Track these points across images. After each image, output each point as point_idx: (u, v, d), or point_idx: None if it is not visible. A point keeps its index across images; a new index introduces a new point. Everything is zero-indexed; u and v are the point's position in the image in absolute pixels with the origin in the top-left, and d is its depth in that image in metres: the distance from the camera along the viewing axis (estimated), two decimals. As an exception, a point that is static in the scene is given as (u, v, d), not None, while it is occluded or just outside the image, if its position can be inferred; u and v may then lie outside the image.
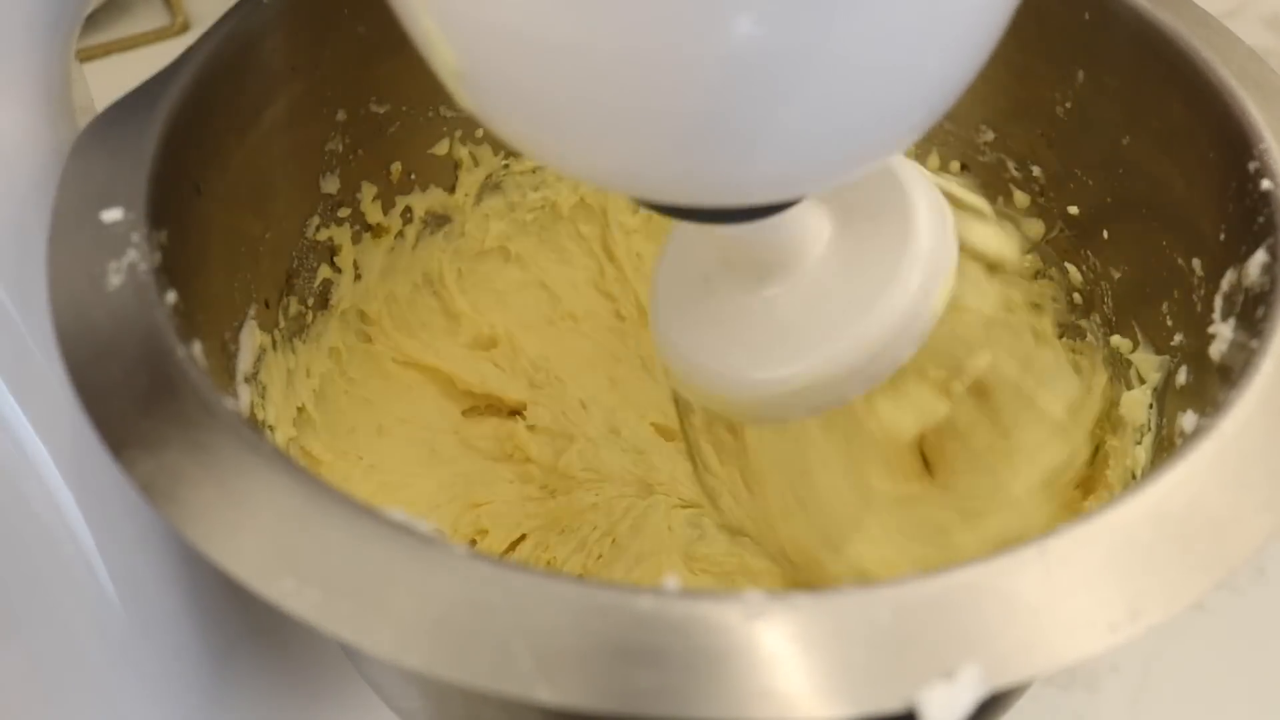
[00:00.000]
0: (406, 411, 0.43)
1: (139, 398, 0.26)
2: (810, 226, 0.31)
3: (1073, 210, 0.40)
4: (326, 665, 0.38)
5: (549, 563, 0.40)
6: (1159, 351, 0.36)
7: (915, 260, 0.29)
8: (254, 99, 0.35)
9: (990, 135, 0.42)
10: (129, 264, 0.28)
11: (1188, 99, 0.34)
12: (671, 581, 0.23)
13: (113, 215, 0.29)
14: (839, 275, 0.30)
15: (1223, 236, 0.32)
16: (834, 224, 0.31)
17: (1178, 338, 0.34)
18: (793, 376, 0.30)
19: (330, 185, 0.40)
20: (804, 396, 0.30)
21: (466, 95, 0.24)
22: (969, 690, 0.21)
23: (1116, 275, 0.38)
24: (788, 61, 0.21)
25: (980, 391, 0.38)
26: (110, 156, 0.30)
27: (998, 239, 0.35)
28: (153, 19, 0.65)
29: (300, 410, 0.38)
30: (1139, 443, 0.35)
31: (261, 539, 0.23)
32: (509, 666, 0.21)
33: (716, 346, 0.31)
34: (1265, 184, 0.30)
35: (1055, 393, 0.38)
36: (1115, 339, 0.38)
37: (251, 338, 0.34)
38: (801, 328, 0.30)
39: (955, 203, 0.32)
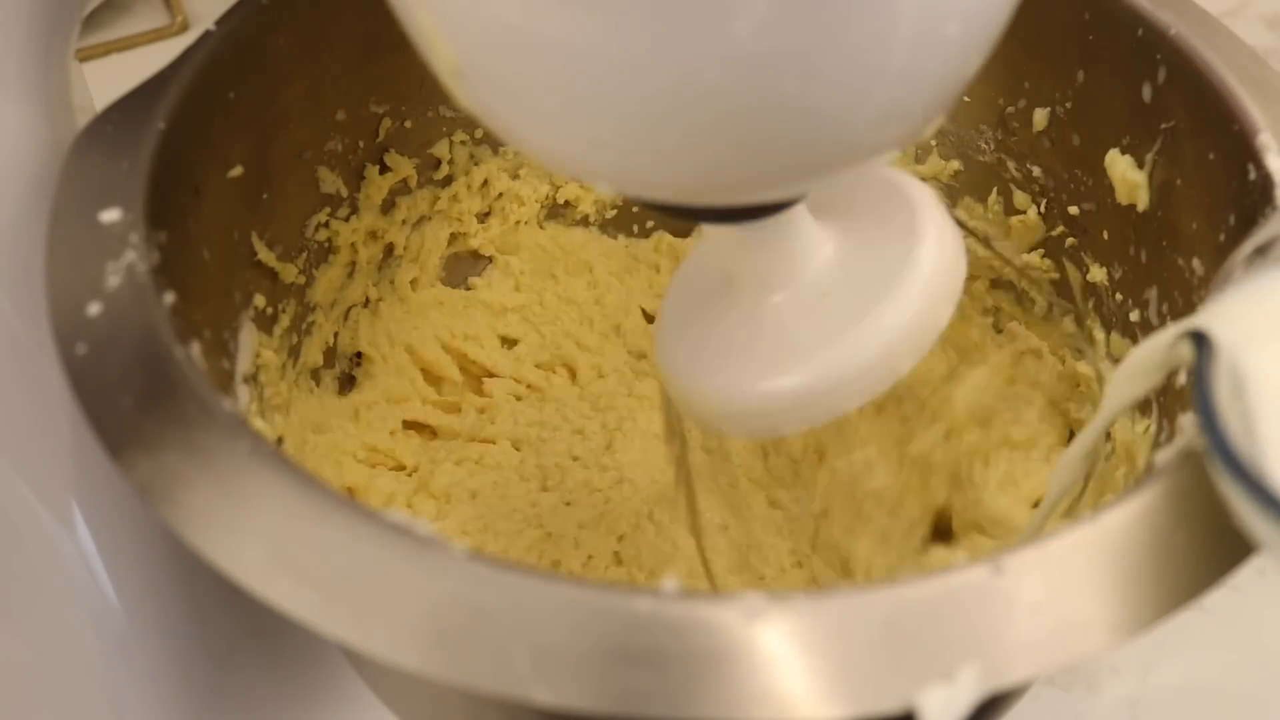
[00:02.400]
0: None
1: (137, 398, 0.26)
2: (811, 236, 0.31)
3: (1073, 210, 0.40)
4: (325, 666, 0.38)
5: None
6: (1159, 352, 0.35)
7: (915, 278, 0.29)
8: (253, 99, 0.35)
9: (990, 135, 0.42)
10: (127, 264, 0.28)
11: (1188, 99, 0.34)
12: (670, 583, 0.23)
13: (111, 216, 0.29)
14: (841, 287, 0.30)
15: (1222, 237, 0.32)
16: (839, 238, 0.31)
17: (1178, 338, 0.34)
18: (792, 386, 0.30)
19: (330, 185, 0.40)
20: (801, 406, 0.30)
21: (465, 93, 0.24)
22: (968, 691, 0.21)
23: (1117, 275, 0.38)
24: (789, 61, 0.21)
25: None
26: (109, 157, 0.30)
27: None
28: (152, 19, 0.65)
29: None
30: (1145, 431, 0.35)
31: (259, 540, 0.23)
32: (507, 667, 0.21)
33: (715, 359, 0.31)
34: (1264, 182, 0.30)
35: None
36: (1116, 339, 0.38)
37: (250, 338, 0.34)
38: (800, 335, 0.30)
39: None
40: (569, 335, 0.46)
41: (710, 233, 0.31)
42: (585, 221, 0.48)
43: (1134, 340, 0.37)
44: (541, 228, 0.48)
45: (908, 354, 0.30)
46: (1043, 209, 0.41)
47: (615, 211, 0.48)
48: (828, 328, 0.30)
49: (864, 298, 0.30)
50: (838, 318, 0.30)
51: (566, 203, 0.48)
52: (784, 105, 0.22)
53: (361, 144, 0.41)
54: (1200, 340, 0.23)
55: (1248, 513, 0.21)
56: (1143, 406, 0.36)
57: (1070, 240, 0.40)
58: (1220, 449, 0.21)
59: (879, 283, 0.30)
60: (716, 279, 0.33)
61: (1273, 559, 0.21)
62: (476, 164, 0.45)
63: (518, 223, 0.47)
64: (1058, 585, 0.23)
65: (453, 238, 0.46)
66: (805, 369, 0.30)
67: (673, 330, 0.33)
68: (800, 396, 0.30)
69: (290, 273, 0.38)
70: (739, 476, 0.42)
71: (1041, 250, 0.42)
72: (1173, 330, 0.25)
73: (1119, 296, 0.38)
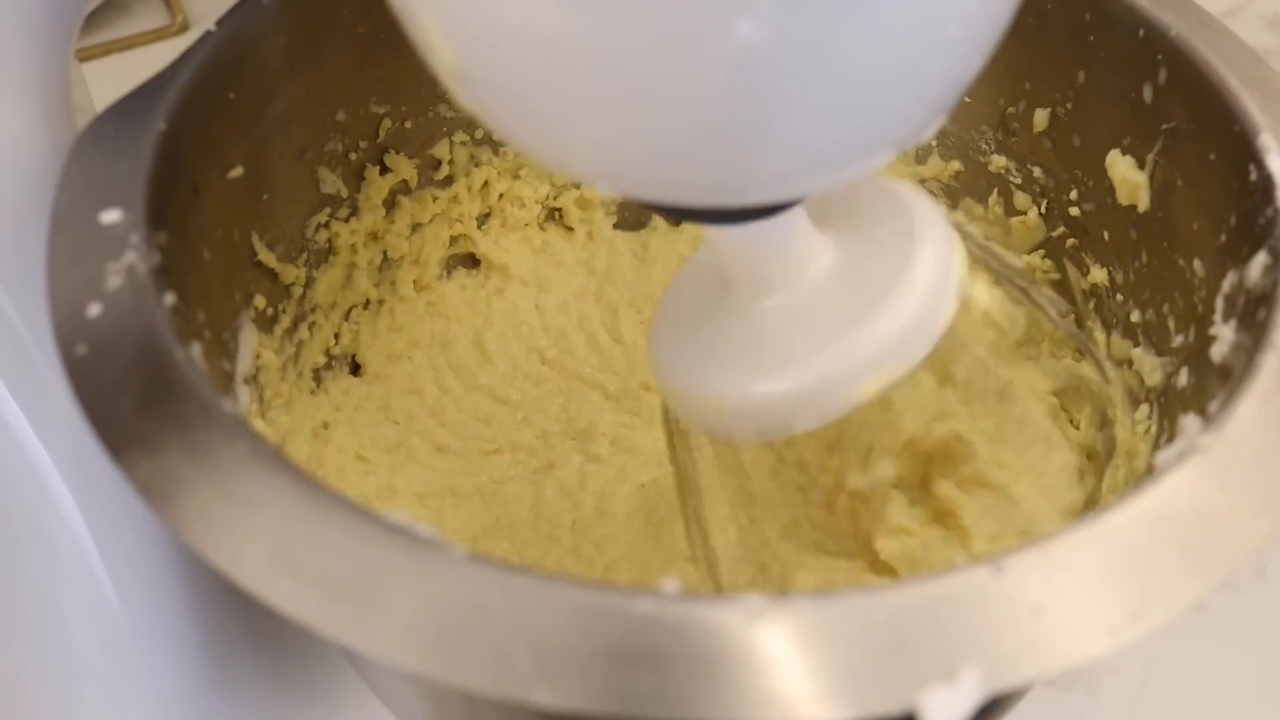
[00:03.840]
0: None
1: (138, 399, 0.26)
2: (809, 240, 0.31)
3: (1073, 212, 0.40)
4: (326, 667, 0.38)
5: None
6: (1160, 353, 0.35)
7: (911, 286, 0.30)
8: (253, 99, 0.35)
9: (991, 135, 0.42)
10: (128, 265, 0.28)
11: (1189, 100, 0.34)
12: (671, 584, 0.23)
13: (111, 216, 0.29)
14: (837, 291, 0.31)
15: (1224, 238, 0.32)
16: (837, 243, 0.31)
17: (1179, 339, 0.34)
18: (785, 390, 0.30)
19: (330, 185, 0.40)
20: (795, 409, 0.30)
21: (466, 94, 0.24)
22: (969, 693, 0.21)
23: (1117, 276, 0.38)
24: (789, 62, 0.21)
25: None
26: (109, 157, 0.30)
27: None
28: (152, 19, 0.65)
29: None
30: (1145, 432, 0.35)
31: (260, 541, 0.23)
32: (508, 669, 0.21)
33: (711, 362, 0.32)
34: (1265, 183, 0.30)
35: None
36: (1116, 340, 0.38)
37: (250, 339, 0.34)
38: (796, 338, 0.30)
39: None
40: (569, 336, 0.46)
41: (710, 236, 0.31)
42: (586, 223, 0.48)
43: (1135, 341, 0.37)
44: (542, 229, 0.48)
45: (902, 359, 0.30)
46: (1043, 210, 0.41)
47: (615, 213, 0.48)
48: (823, 332, 0.30)
49: (860, 303, 0.30)
50: (834, 322, 0.30)
51: (562, 210, 0.48)
52: (784, 106, 0.22)
53: (361, 144, 0.41)
54: None
55: None
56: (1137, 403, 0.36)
57: (1071, 241, 0.40)
58: None
59: (875, 289, 0.30)
60: (712, 284, 0.33)
61: None
62: (477, 165, 0.45)
63: (518, 224, 0.47)
64: (1058, 585, 0.23)
65: (453, 239, 0.46)
66: (800, 373, 0.30)
67: (667, 336, 0.33)
68: (795, 399, 0.30)
69: (290, 273, 0.38)
70: (750, 475, 0.42)
71: (1042, 251, 0.42)
72: None
73: (1120, 297, 0.38)
